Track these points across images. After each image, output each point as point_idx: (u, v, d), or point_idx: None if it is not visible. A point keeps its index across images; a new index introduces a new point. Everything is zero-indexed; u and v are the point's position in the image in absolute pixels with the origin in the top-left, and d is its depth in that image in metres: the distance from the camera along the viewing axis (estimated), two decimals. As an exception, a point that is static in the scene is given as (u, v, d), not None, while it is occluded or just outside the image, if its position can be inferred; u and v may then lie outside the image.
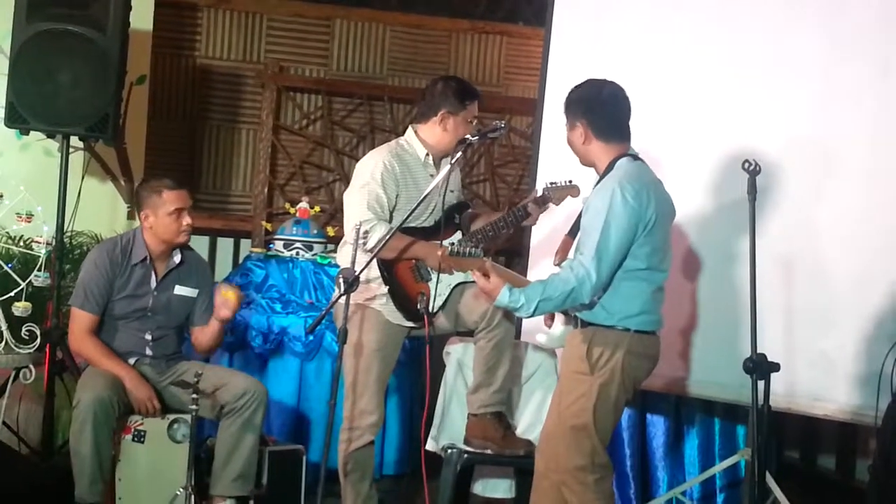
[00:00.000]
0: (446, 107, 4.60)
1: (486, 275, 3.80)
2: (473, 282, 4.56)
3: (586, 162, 3.99)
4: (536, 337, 4.24)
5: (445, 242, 4.52)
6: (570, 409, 3.84)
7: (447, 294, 4.60)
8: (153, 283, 4.73)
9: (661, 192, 3.91)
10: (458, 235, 4.66)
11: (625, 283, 3.82)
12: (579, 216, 4.01)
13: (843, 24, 4.67)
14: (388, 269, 4.53)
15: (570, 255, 3.99)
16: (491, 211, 5.10)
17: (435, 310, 4.55)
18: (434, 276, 4.55)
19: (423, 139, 4.65)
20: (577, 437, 3.85)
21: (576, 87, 4.00)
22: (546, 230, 5.14)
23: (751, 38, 4.88)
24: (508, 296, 3.77)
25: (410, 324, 4.59)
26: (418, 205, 4.39)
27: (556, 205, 4.74)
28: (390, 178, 4.53)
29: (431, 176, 4.64)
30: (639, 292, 3.84)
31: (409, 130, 4.72)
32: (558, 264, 4.02)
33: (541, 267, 4.91)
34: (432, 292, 4.54)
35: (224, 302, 4.63)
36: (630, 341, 3.83)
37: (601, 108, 3.91)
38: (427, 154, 4.64)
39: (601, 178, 3.89)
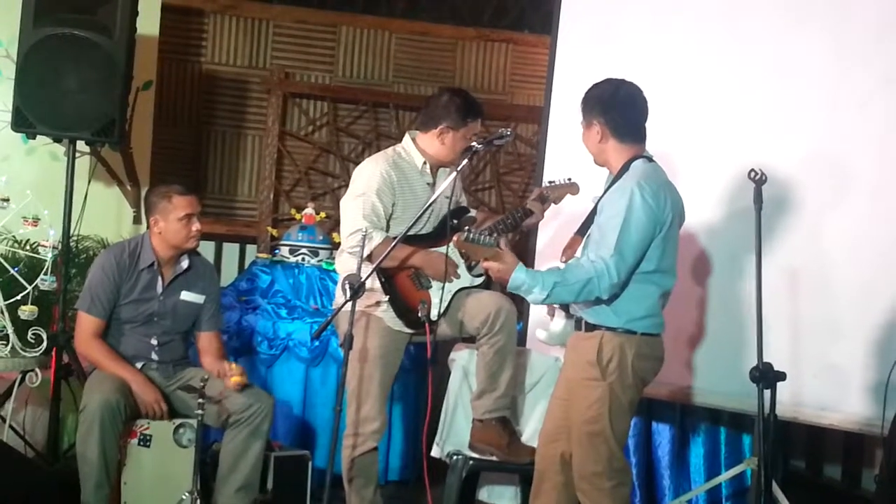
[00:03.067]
0: (447, 121, 4.57)
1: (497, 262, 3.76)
2: (475, 287, 4.61)
3: (600, 161, 3.96)
4: (536, 333, 4.22)
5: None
6: (584, 416, 3.84)
7: (449, 301, 4.59)
8: (160, 289, 4.74)
9: (676, 194, 3.90)
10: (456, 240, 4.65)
11: (633, 284, 3.81)
12: (589, 216, 3.99)
13: (848, 31, 4.68)
14: (388, 278, 4.52)
15: (578, 253, 3.97)
16: (492, 214, 5.09)
17: (436, 317, 4.55)
18: (434, 284, 4.55)
19: (421, 148, 4.64)
20: (593, 443, 3.84)
21: (595, 85, 3.97)
22: (551, 232, 5.15)
23: (756, 46, 4.89)
24: (524, 275, 3.73)
25: (412, 331, 4.59)
26: (421, 215, 4.38)
27: (556, 203, 4.72)
28: (387, 188, 4.51)
29: (428, 184, 4.64)
30: (646, 295, 3.84)
31: (407, 138, 4.70)
32: (565, 262, 3.99)
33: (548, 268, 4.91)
34: (433, 299, 4.54)
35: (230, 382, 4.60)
36: (638, 344, 3.83)
37: (619, 108, 3.89)
38: (424, 162, 4.63)
39: (616, 178, 3.88)
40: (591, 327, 3.87)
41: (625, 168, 3.87)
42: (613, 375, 3.81)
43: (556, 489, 4.01)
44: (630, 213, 3.72)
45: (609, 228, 3.75)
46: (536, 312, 5.22)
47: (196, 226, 4.69)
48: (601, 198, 3.91)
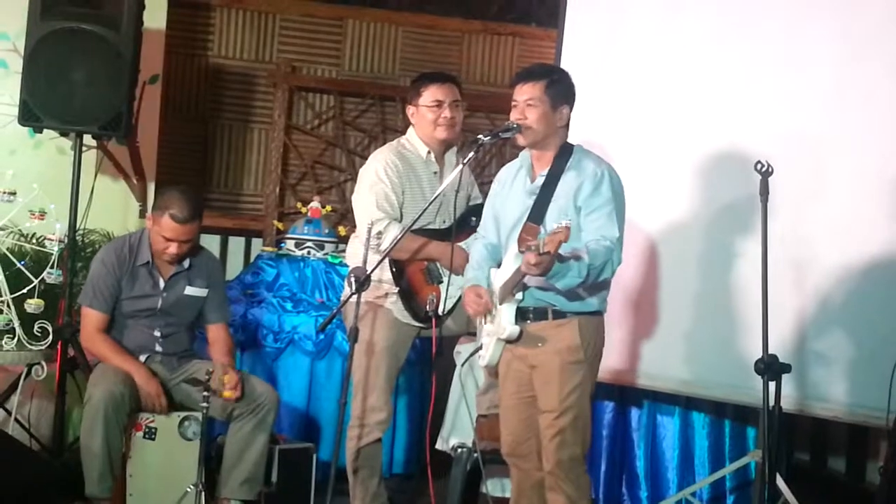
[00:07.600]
0: (410, 100, 4.69)
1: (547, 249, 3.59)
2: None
3: (541, 145, 3.96)
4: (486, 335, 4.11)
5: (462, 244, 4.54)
6: (567, 402, 3.86)
7: (457, 297, 4.58)
8: (161, 284, 4.74)
9: None
10: (473, 238, 4.66)
11: None
12: (537, 202, 3.93)
13: (855, 22, 4.66)
14: (399, 270, 4.53)
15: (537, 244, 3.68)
16: None
17: (444, 312, 4.55)
18: (446, 278, 4.56)
19: (419, 136, 4.69)
20: (576, 427, 3.89)
21: (564, 72, 4.11)
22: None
23: (763, 37, 4.87)
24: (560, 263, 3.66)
25: (420, 324, 4.60)
26: (428, 206, 4.39)
27: None
28: (395, 177, 4.55)
29: (434, 174, 4.67)
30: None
31: (410, 129, 4.75)
32: (524, 251, 3.85)
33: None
34: (443, 295, 4.54)
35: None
36: (602, 323, 3.96)
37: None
38: (428, 152, 4.67)
39: (561, 161, 3.91)
40: (560, 314, 3.89)
41: (566, 152, 3.93)
42: (592, 358, 3.91)
43: (538, 485, 4.04)
44: (616, 197, 3.85)
45: (602, 216, 3.81)
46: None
47: (172, 250, 4.64)
48: (547, 182, 3.91)
